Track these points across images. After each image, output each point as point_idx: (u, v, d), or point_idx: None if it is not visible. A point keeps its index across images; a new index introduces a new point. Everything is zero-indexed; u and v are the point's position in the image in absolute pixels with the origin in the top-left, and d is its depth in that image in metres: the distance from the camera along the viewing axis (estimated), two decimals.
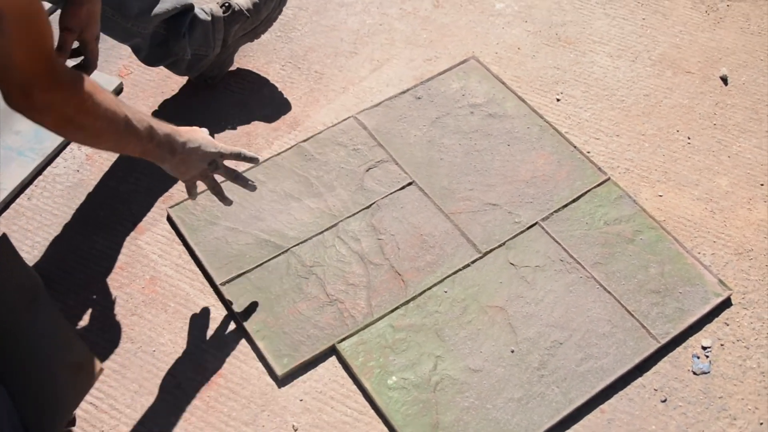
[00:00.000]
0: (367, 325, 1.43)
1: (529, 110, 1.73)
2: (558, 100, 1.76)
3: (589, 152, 1.66)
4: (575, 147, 1.66)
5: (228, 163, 1.45)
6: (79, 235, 1.58)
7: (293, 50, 1.89)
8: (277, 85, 1.82)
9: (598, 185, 1.60)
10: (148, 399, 1.37)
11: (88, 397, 1.37)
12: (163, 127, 1.31)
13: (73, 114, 1.18)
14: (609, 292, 1.46)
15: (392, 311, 1.45)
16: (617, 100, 1.76)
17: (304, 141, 1.70)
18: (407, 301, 1.46)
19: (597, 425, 1.32)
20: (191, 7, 1.65)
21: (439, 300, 1.46)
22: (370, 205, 1.59)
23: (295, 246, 1.54)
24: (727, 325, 1.43)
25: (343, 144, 1.69)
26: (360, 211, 1.58)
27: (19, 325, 1.22)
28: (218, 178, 1.42)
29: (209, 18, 1.68)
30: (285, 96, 1.80)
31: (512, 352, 1.39)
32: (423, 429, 1.31)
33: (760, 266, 1.50)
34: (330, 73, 1.84)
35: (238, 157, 1.41)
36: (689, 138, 1.69)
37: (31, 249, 1.55)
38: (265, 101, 1.79)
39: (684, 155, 1.67)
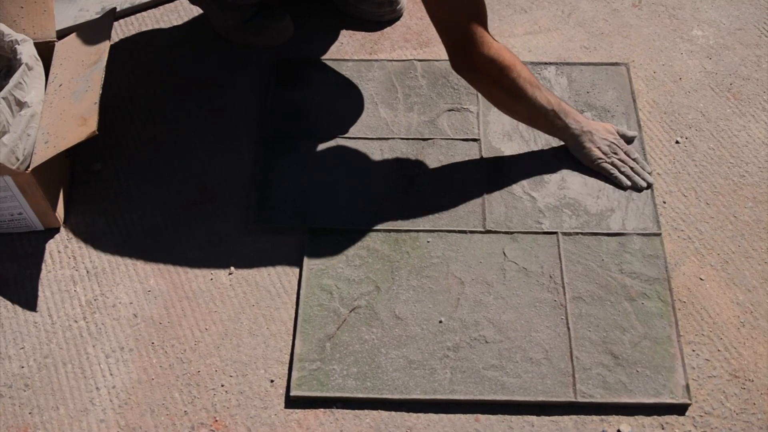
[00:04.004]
0: (345, 231, 1.48)
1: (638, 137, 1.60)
2: (677, 142, 1.60)
3: (664, 202, 1.51)
4: (652, 190, 1.52)
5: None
6: (206, 48, 1.79)
7: None
8: None
9: (644, 235, 1.46)
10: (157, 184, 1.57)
11: (117, 149, 1.60)
12: (569, 111, 1.50)
13: (498, 73, 1.38)
14: (568, 329, 1.36)
15: (374, 231, 1.48)
16: (737, 173, 1.56)
17: (420, 60, 1.73)
18: (391, 231, 1.48)
19: (463, 427, 1.27)
20: None
21: (417, 245, 1.46)
22: (428, 139, 1.61)
23: (342, 137, 1.61)
24: (663, 429, 1.27)
25: (448, 79, 1.70)
26: (416, 139, 1.61)
27: (78, 64, 1.47)
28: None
29: None
30: None
31: (440, 322, 1.37)
32: (318, 332, 1.36)
33: (746, 399, 1.29)
34: (489, 19, 1.82)
35: (624, 136, 1.56)
36: None
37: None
38: (418, 15, 1.83)
39: (761, 258, 1.45)
